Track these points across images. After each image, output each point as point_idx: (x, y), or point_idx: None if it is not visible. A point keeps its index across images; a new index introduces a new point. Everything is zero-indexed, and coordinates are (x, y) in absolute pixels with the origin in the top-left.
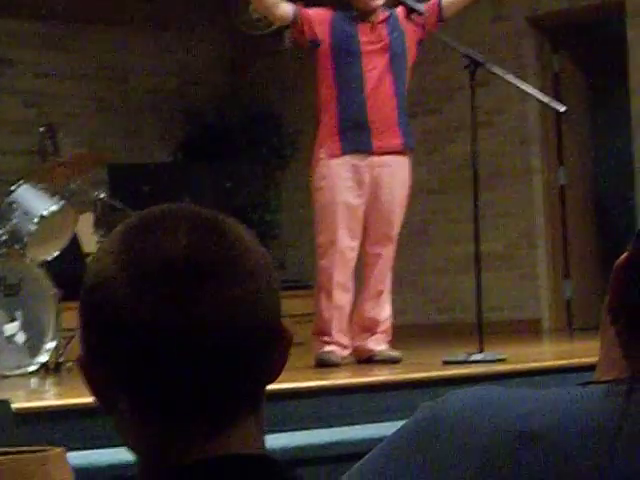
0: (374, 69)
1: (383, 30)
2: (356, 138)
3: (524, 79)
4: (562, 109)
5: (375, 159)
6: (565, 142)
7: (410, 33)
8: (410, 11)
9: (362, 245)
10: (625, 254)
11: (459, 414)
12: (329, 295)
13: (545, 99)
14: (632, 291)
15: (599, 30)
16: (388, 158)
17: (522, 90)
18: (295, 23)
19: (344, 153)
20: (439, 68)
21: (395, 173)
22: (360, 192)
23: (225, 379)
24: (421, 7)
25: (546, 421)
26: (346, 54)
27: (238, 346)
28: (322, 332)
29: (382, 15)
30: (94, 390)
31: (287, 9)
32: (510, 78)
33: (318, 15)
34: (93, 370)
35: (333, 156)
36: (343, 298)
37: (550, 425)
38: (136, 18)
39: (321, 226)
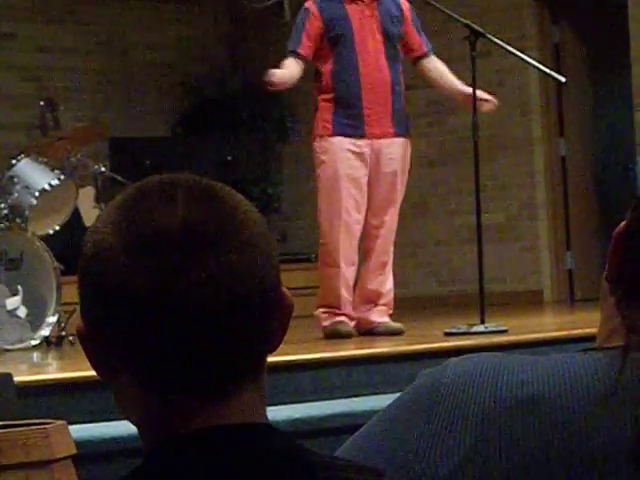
0: (367, 53)
1: (374, 10)
2: (349, 123)
3: (524, 50)
4: (562, 80)
5: (371, 140)
6: (566, 113)
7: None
8: None
9: (365, 217)
10: (623, 222)
11: (459, 380)
12: (336, 269)
13: (546, 70)
14: (630, 259)
15: (599, 1)
16: (384, 139)
17: (522, 61)
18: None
19: (335, 135)
20: (439, 39)
21: (393, 145)
22: (362, 162)
23: (224, 347)
24: None
25: (545, 387)
26: (339, 36)
27: (237, 314)
28: (330, 305)
29: None
30: (93, 361)
31: (297, 67)
32: (510, 49)
33: (313, 23)
34: (92, 341)
35: (330, 135)
36: (349, 271)
37: (549, 391)
38: None
39: (326, 200)
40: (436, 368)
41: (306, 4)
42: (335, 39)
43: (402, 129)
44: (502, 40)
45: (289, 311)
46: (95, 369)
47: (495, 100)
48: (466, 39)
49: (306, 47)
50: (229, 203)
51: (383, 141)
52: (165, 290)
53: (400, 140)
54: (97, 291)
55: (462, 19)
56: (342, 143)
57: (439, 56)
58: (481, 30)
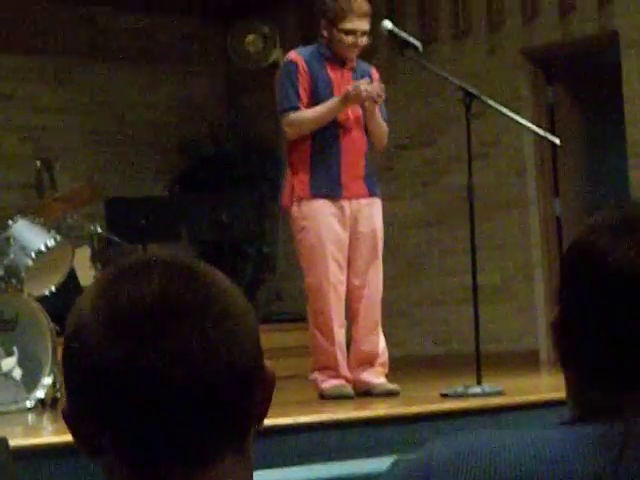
0: (347, 117)
1: (350, 76)
2: (328, 185)
3: (519, 111)
4: (557, 142)
5: (349, 200)
6: (561, 173)
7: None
8: (406, 45)
9: (348, 279)
10: (555, 311)
11: (448, 464)
12: (329, 333)
13: (540, 132)
14: (571, 344)
15: (593, 61)
16: (361, 199)
17: (516, 122)
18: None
19: (315, 198)
20: (435, 100)
21: (370, 205)
22: (343, 224)
23: (203, 418)
24: (417, 43)
25: (533, 467)
26: (321, 99)
27: (214, 385)
28: (326, 367)
29: (354, 63)
30: (78, 439)
31: (302, 113)
32: (505, 110)
33: (303, 77)
34: (76, 419)
35: (309, 197)
36: (340, 333)
37: (537, 471)
38: (132, 52)
39: (311, 266)
40: (417, 454)
41: (292, 57)
42: (317, 100)
43: (374, 190)
44: (497, 101)
45: (271, 382)
46: (80, 447)
47: (371, 88)
48: (461, 101)
49: (302, 101)
50: (205, 278)
51: (361, 201)
52: (139, 362)
53: (375, 200)
54: (77, 368)
55: (457, 81)
56: (323, 206)
57: (434, 116)
58: (476, 93)
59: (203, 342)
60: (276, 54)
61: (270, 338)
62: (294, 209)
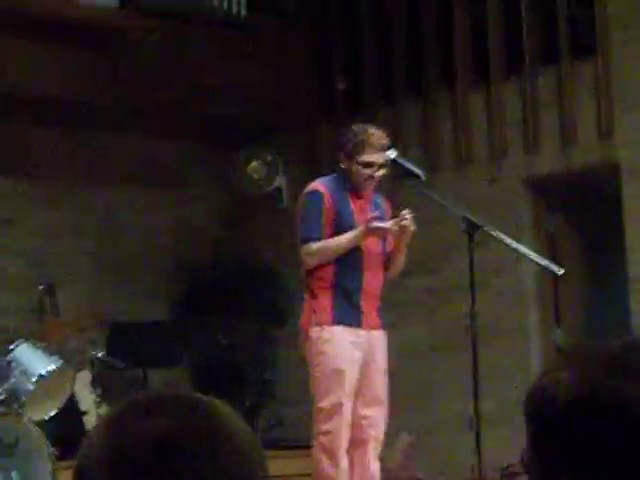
0: (368, 249)
1: (368, 207)
2: (349, 313)
3: (520, 239)
4: (560, 272)
5: (367, 331)
6: (562, 302)
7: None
8: (409, 174)
9: (355, 407)
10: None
11: None
12: (334, 458)
13: (542, 262)
14: None
15: (594, 191)
16: (375, 331)
17: (519, 254)
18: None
19: (336, 324)
20: (437, 228)
21: (382, 338)
22: (360, 352)
23: None
24: (420, 172)
25: None
26: (345, 230)
27: None
28: None
29: (369, 195)
30: None
31: (322, 244)
32: (507, 240)
33: (327, 209)
34: None
35: (328, 324)
36: (344, 461)
37: None
38: (132, 175)
39: (326, 390)
40: None
41: (317, 187)
42: (339, 230)
43: (383, 324)
44: (498, 229)
45: None
46: None
47: (407, 219)
48: (464, 232)
49: (323, 233)
50: (208, 414)
51: (375, 332)
52: None
53: (384, 333)
54: None
55: (460, 211)
56: (344, 333)
57: (437, 245)
58: (479, 223)
59: (205, 477)
60: (279, 180)
61: (271, 465)
62: (313, 333)
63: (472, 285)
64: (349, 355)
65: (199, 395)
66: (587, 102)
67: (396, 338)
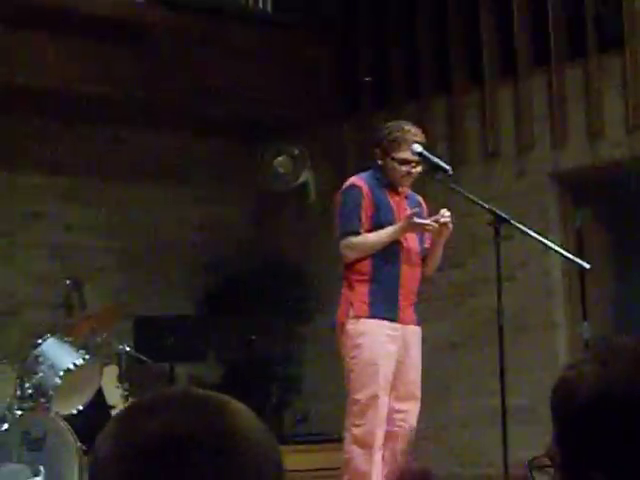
0: (407, 244)
1: (406, 205)
2: (387, 307)
3: (547, 233)
4: (587, 266)
5: (403, 325)
6: (589, 296)
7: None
8: (436, 168)
9: (389, 402)
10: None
11: None
12: (368, 452)
13: (569, 256)
14: None
15: (621, 185)
16: (410, 326)
17: (546, 247)
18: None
19: (373, 317)
20: (464, 222)
21: (417, 334)
22: (395, 346)
23: None
24: (447, 166)
25: None
26: (384, 225)
27: None
28: None
29: (405, 191)
30: None
31: (362, 238)
32: (534, 234)
33: (367, 204)
34: None
35: (364, 317)
36: (378, 456)
37: None
38: (162, 171)
39: (361, 383)
40: None
41: (356, 182)
42: (377, 225)
43: (418, 320)
44: (525, 223)
45: None
46: None
47: (446, 220)
48: (491, 225)
49: (363, 226)
50: (219, 411)
51: (411, 327)
52: None
53: (419, 330)
54: None
55: (486, 205)
56: (380, 327)
57: (464, 239)
58: (506, 216)
59: (214, 475)
60: (305, 175)
61: (296, 460)
62: (350, 326)
63: (499, 279)
64: (385, 349)
65: (210, 392)
66: (614, 96)
67: (422, 332)
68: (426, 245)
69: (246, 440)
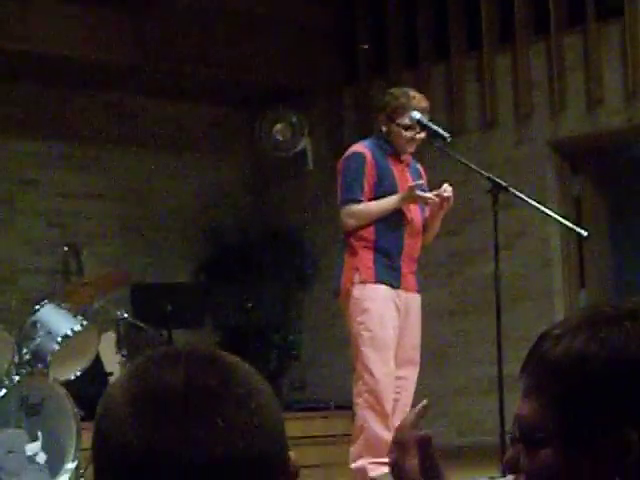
0: (409, 212)
1: (408, 173)
2: (391, 273)
3: (545, 202)
4: (584, 234)
5: (406, 293)
6: (586, 265)
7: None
8: (434, 135)
9: None
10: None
11: None
12: (383, 415)
13: (567, 223)
14: None
15: (620, 154)
16: (411, 294)
17: (544, 214)
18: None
19: (377, 282)
20: (461, 190)
21: (418, 301)
22: (398, 313)
23: None
24: (446, 133)
25: None
26: (387, 193)
27: (235, 472)
28: (376, 454)
29: (407, 159)
30: None
31: (363, 206)
32: (532, 202)
33: (370, 171)
34: None
35: (371, 282)
36: (392, 420)
37: None
38: (160, 139)
39: (373, 347)
40: None
41: (359, 149)
42: (383, 194)
43: (419, 287)
44: (523, 192)
45: (293, 477)
46: None
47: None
48: (489, 192)
49: (365, 194)
50: (230, 365)
51: (411, 295)
52: (166, 443)
53: (419, 297)
54: (104, 447)
55: (484, 172)
56: (387, 292)
57: (461, 207)
58: (504, 183)
59: (225, 428)
60: (304, 142)
61: (293, 427)
62: (356, 291)
63: (496, 247)
64: (391, 314)
65: (215, 348)
66: (613, 64)
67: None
68: (426, 215)
69: (256, 394)
